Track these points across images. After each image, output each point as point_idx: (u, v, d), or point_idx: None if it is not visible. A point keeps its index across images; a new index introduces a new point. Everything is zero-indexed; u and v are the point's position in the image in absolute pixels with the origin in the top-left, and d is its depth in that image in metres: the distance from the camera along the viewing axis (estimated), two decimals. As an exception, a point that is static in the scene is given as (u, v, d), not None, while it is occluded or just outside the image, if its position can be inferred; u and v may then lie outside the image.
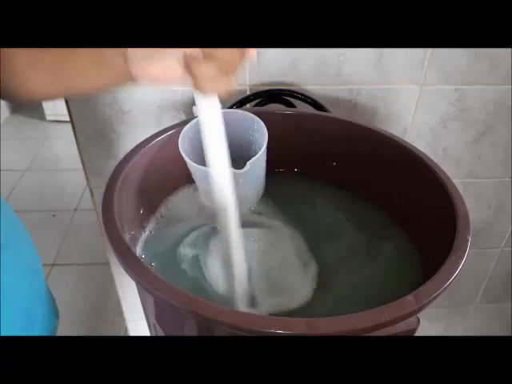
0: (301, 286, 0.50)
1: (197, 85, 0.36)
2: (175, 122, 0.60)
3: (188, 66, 0.35)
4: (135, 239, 0.53)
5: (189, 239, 0.55)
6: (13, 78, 0.39)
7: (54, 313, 0.50)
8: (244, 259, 0.46)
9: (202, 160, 0.55)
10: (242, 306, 0.46)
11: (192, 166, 0.53)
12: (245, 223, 0.57)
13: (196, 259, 0.53)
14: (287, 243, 0.55)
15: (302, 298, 0.49)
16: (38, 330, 0.44)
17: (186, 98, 0.72)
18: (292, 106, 0.70)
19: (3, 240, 0.39)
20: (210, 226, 0.57)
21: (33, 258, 0.45)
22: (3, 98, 0.41)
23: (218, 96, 0.39)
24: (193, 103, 0.69)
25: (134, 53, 0.35)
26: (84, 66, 0.38)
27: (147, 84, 0.38)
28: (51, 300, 0.50)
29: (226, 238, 0.45)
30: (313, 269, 0.52)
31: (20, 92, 0.41)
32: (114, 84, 0.40)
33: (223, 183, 0.43)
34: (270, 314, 0.45)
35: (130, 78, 0.38)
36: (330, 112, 0.71)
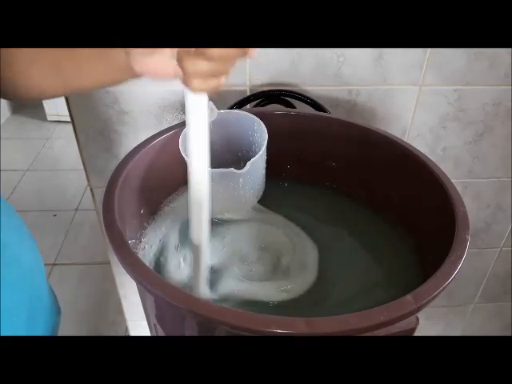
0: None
1: (185, 80, 0.35)
2: (176, 122, 0.60)
3: (180, 61, 0.35)
4: (136, 239, 0.53)
5: (188, 239, 0.55)
6: (12, 75, 0.39)
7: (56, 311, 0.50)
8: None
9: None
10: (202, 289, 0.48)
11: (192, 166, 0.54)
12: (244, 223, 0.58)
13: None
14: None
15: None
16: (39, 328, 0.44)
17: (186, 98, 0.72)
18: (292, 106, 0.70)
19: (4, 239, 0.39)
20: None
21: (34, 256, 0.46)
22: (3, 97, 0.42)
23: (207, 94, 0.38)
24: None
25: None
26: (85, 61, 0.38)
27: (148, 78, 0.38)
28: (53, 298, 0.51)
29: (196, 234, 0.46)
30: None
31: (19, 89, 0.41)
32: (116, 79, 0.40)
33: (201, 180, 0.43)
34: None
35: (131, 72, 0.38)
36: (329, 112, 0.71)
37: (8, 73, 0.39)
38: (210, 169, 0.44)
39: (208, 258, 0.48)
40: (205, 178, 0.43)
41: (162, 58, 0.36)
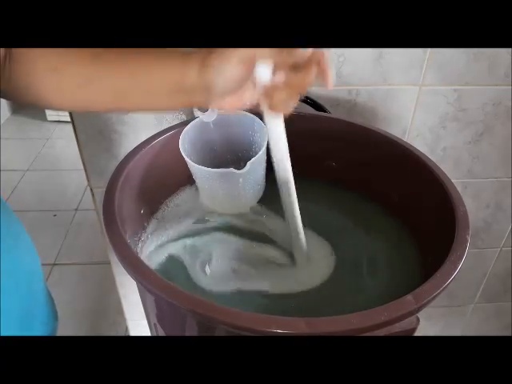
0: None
1: (273, 108, 0.38)
2: (176, 122, 0.60)
3: (268, 94, 0.37)
4: (136, 239, 0.53)
5: (189, 239, 0.55)
6: (30, 84, 0.38)
7: (54, 315, 0.50)
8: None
9: (202, 160, 0.55)
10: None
11: (193, 166, 0.54)
12: (244, 223, 0.58)
13: (196, 258, 0.53)
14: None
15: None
16: (37, 332, 0.44)
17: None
18: (292, 106, 0.70)
19: (1, 241, 0.38)
20: (210, 225, 0.57)
21: (32, 259, 0.45)
22: (14, 101, 0.41)
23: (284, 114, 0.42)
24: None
25: (218, 87, 0.36)
26: (153, 91, 0.38)
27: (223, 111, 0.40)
28: (51, 302, 0.50)
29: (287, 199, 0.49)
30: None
31: (34, 100, 0.40)
32: (178, 108, 0.41)
33: (285, 179, 0.47)
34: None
35: (200, 105, 0.39)
36: (329, 112, 0.71)
37: (25, 82, 0.38)
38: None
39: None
40: (290, 174, 0.47)
41: (242, 96, 0.38)
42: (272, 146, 0.45)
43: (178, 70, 0.37)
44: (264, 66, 0.36)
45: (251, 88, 0.38)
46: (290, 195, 0.48)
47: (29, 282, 0.43)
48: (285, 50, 0.35)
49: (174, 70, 0.37)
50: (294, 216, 0.50)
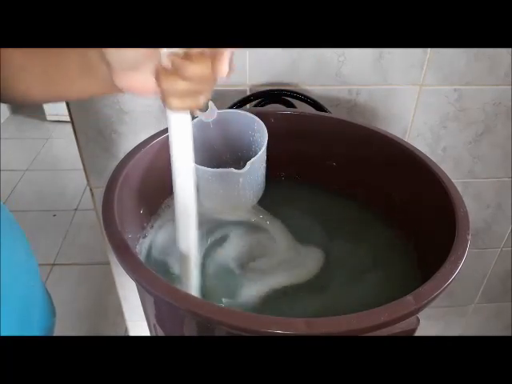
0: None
1: (164, 99, 0.35)
2: (175, 122, 0.60)
3: (157, 79, 0.34)
4: (135, 239, 0.53)
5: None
6: (9, 81, 0.39)
7: (51, 312, 0.50)
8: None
9: (201, 160, 0.55)
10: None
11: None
12: (244, 223, 0.58)
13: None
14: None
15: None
16: (35, 329, 0.44)
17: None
18: (292, 106, 0.70)
19: None
20: (208, 225, 0.57)
21: (28, 256, 0.45)
22: (2, 101, 0.42)
23: (187, 111, 0.39)
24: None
25: (116, 62, 0.35)
26: (71, 74, 0.38)
27: (132, 94, 0.38)
28: (48, 299, 0.50)
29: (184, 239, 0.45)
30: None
31: (9, 93, 0.41)
32: (101, 92, 0.40)
33: (186, 195, 0.43)
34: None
35: (115, 87, 0.37)
36: (329, 112, 0.71)
37: (4, 78, 0.39)
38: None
39: (196, 268, 0.47)
40: (191, 190, 0.43)
41: (143, 75, 0.36)
42: (171, 148, 0.41)
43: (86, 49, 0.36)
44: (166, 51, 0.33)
45: (149, 70, 0.35)
46: (187, 219, 0.43)
47: (25, 275, 0.43)
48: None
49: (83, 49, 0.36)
50: (187, 246, 0.45)
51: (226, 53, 0.33)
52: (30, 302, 0.44)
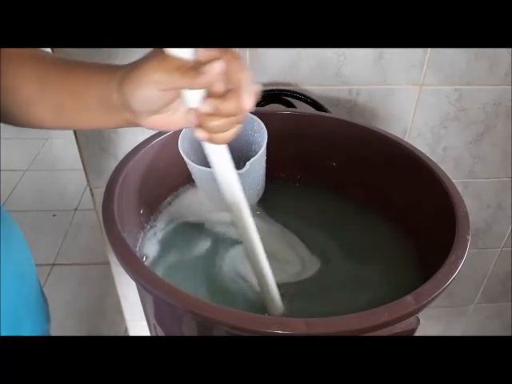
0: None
1: (211, 139, 0.38)
2: (175, 122, 0.60)
3: (201, 123, 0.37)
4: (135, 239, 0.53)
5: (189, 239, 0.55)
6: (15, 112, 0.40)
7: (46, 317, 0.49)
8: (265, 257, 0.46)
9: (201, 160, 0.55)
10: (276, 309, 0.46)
11: (192, 166, 0.53)
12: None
13: (196, 258, 0.53)
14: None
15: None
16: (26, 334, 0.44)
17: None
18: (292, 106, 0.70)
19: None
20: (209, 225, 0.57)
21: (24, 259, 0.45)
22: (17, 125, 0.42)
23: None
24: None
25: (142, 108, 0.36)
26: (90, 108, 0.39)
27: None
28: (43, 304, 0.50)
29: (245, 235, 0.46)
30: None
31: (21, 122, 0.42)
32: (120, 127, 0.41)
33: (237, 210, 0.44)
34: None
35: (135, 125, 0.39)
36: (329, 112, 0.71)
37: (11, 109, 0.40)
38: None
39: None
40: (246, 210, 0.44)
41: (167, 118, 0.38)
42: (216, 175, 0.43)
43: (105, 87, 0.37)
44: (190, 92, 0.35)
45: (182, 112, 0.37)
46: (244, 227, 0.45)
47: (19, 280, 0.43)
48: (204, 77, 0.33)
49: (101, 86, 0.37)
50: (254, 253, 0.45)
51: (252, 88, 0.36)
52: (21, 308, 0.43)
